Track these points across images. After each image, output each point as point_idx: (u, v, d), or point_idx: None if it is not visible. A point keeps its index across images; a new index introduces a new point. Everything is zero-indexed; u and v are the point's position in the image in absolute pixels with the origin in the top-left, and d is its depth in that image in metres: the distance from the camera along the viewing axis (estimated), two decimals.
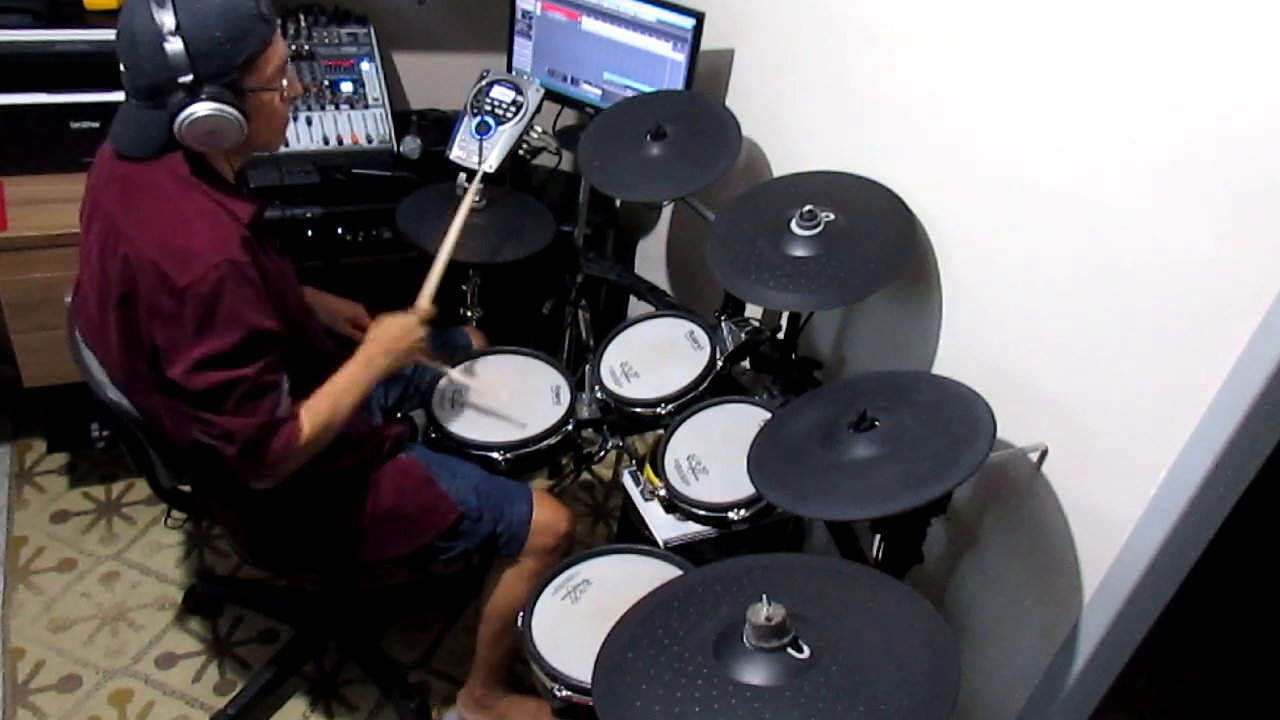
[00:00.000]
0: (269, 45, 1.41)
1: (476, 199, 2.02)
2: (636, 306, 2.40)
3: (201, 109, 1.36)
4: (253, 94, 1.42)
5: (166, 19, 1.32)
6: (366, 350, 1.62)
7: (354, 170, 2.35)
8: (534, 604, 1.53)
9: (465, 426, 1.80)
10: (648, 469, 1.72)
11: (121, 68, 1.39)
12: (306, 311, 1.62)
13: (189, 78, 1.34)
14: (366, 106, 2.37)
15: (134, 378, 1.50)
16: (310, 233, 2.26)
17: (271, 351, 1.44)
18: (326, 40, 2.39)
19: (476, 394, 1.85)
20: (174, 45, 1.32)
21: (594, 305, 2.43)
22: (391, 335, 1.66)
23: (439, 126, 2.45)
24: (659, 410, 1.83)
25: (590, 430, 1.93)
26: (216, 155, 1.46)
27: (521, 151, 2.27)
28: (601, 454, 2.00)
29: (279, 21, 1.72)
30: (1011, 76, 1.51)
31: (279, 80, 1.45)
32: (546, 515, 1.75)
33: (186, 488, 1.77)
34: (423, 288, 1.76)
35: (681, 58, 2.19)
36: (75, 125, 2.10)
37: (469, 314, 2.19)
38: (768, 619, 1.08)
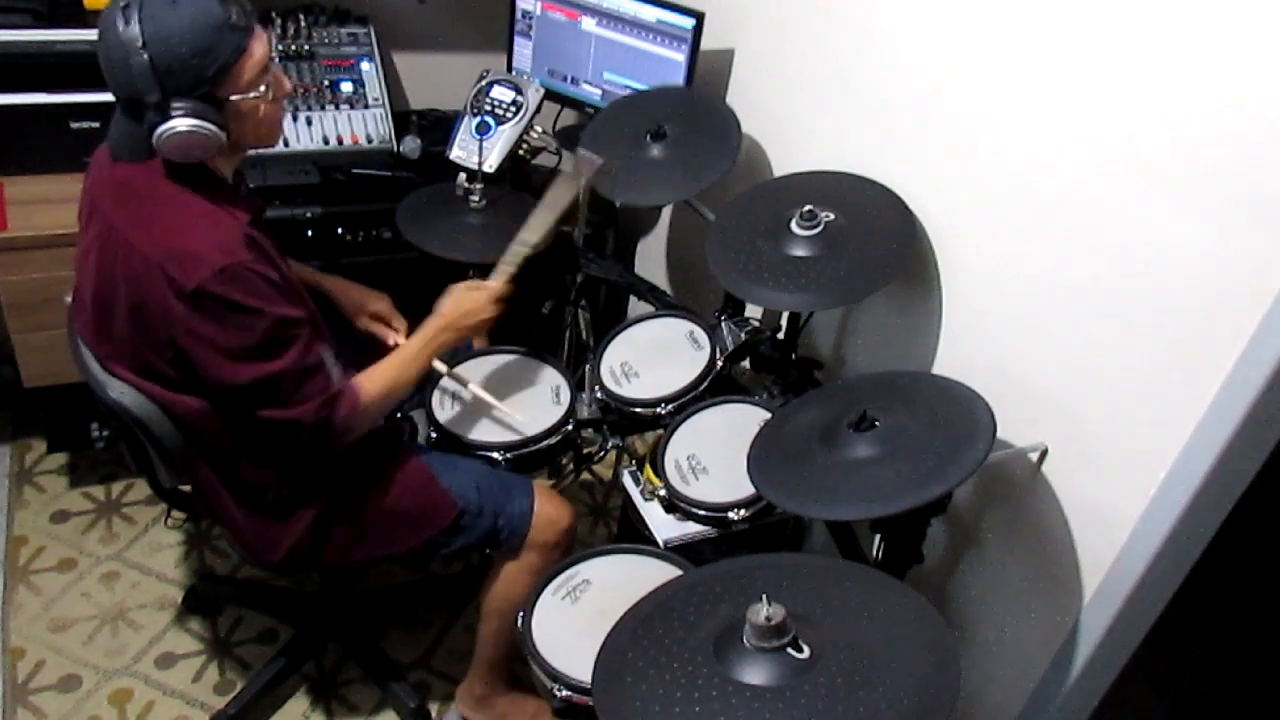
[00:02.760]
0: (243, 53, 1.38)
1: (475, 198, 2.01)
2: (636, 306, 2.40)
3: (177, 125, 1.34)
4: (232, 102, 1.40)
5: (132, 35, 1.30)
6: (434, 324, 1.66)
7: (354, 170, 2.35)
8: (534, 604, 1.53)
9: (465, 426, 1.80)
10: (648, 469, 1.72)
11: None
12: (310, 313, 1.61)
13: (155, 95, 1.33)
14: (366, 106, 2.37)
15: (163, 380, 1.49)
16: (310, 233, 2.26)
17: (302, 334, 1.44)
18: (326, 40, 2.39)
19: (487, 407, 1.84)
20: (139, 61, 1.31)
21: (594, 305, 2.42)
22: (463, 310, 1.69)
23: (439, 126, 2.45)
24: (659, 410, 1.83)
25: (590, 430, 1.93)
26: (211, 158, 1.46)
27: (521, 151, 2.27)
28: (601, 454, 2.00)
29: (277, 21, 1.71)
30: (1012, 76, 1.51)
31: (259, 85, 1.42)
32: (548, 510, 1.75)
33: (186, 488, 1.77)
34: (500, 265, 1.76)
35: (681, 58, 2.19)
36: (75, 125, 2.10)
37: None
38: (768, 619, 1.08)
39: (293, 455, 1.55)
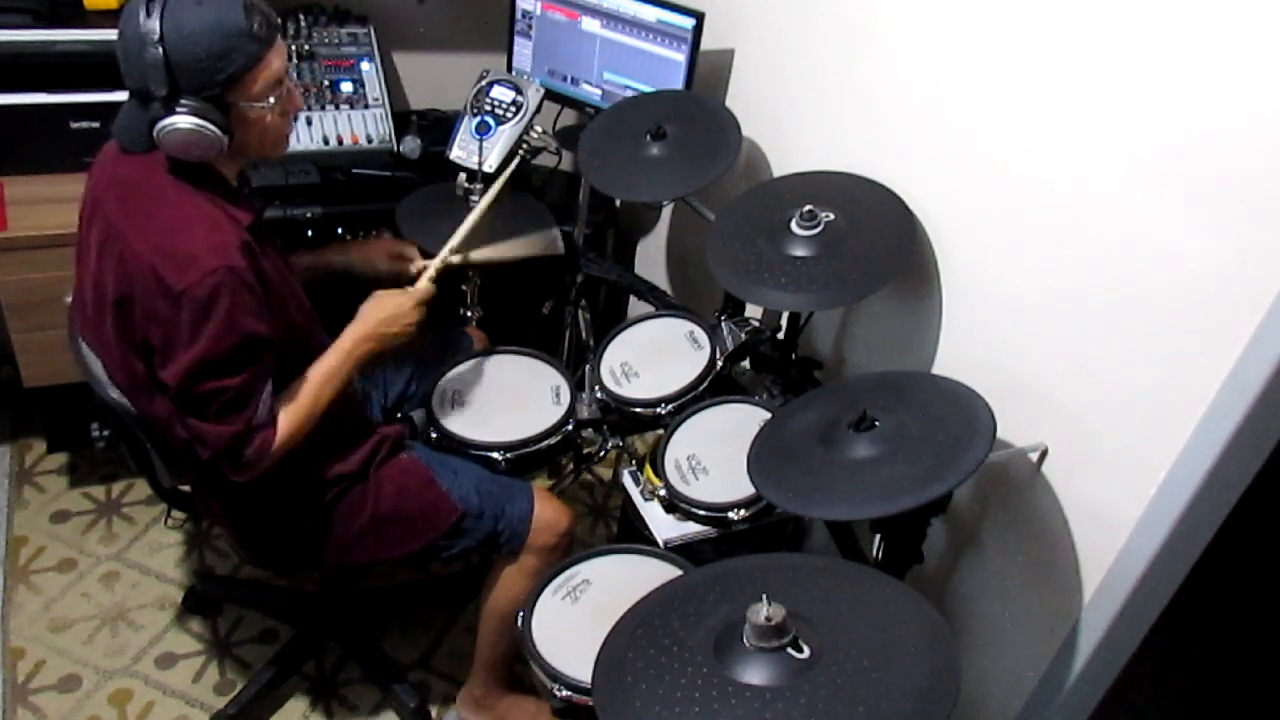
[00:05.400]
0: (259, 63, 1.38)
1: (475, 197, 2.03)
2: (636, 306, 2.40)
3: (178, 121, 1.34)
4: (239, 108, 1.40)
5: (152, 27, 1.31)
6: (353, 333, 1.59)
7: (354, 170, 2.35)
8: (534, 604, 1.53)
9: (465, 426, 1.80)
10: (648, 469, 1.72)
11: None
12: (307, 313, 1.61)
13: (164, 90, 1.33)
14: (366, 106, 2.37)
15: (134, 378, 1.50)
16: (310, 233, 2.26)
17: (262, 358, 1.44)
18: (326, 40, 2.39)
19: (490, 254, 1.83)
20: (153, 55, 1.31)
21: (594, 305, 2.43)
22: (384, 317, 1.62)
23: (439, 126, 2.45)
24: (659, 410, 1.83)
25: (590, 430, 1.93)
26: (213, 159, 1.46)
27: (521, 151, 2.27)
28: (601, 454, 2.00)
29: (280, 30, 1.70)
30: (1012, 76, 1.51)
31: (270, 97, 1.42)
32: (547, 513, 1.75)
33: (186, 488, 1.77)
34: (427, 267, 1.74)
35: (681, 58, 2.19)
36: (75, 125, 2.10)
37: (469, 314, 2.19)
38: (768, 619, 1.08)
39: (205, 467, 1.51)
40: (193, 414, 1.42)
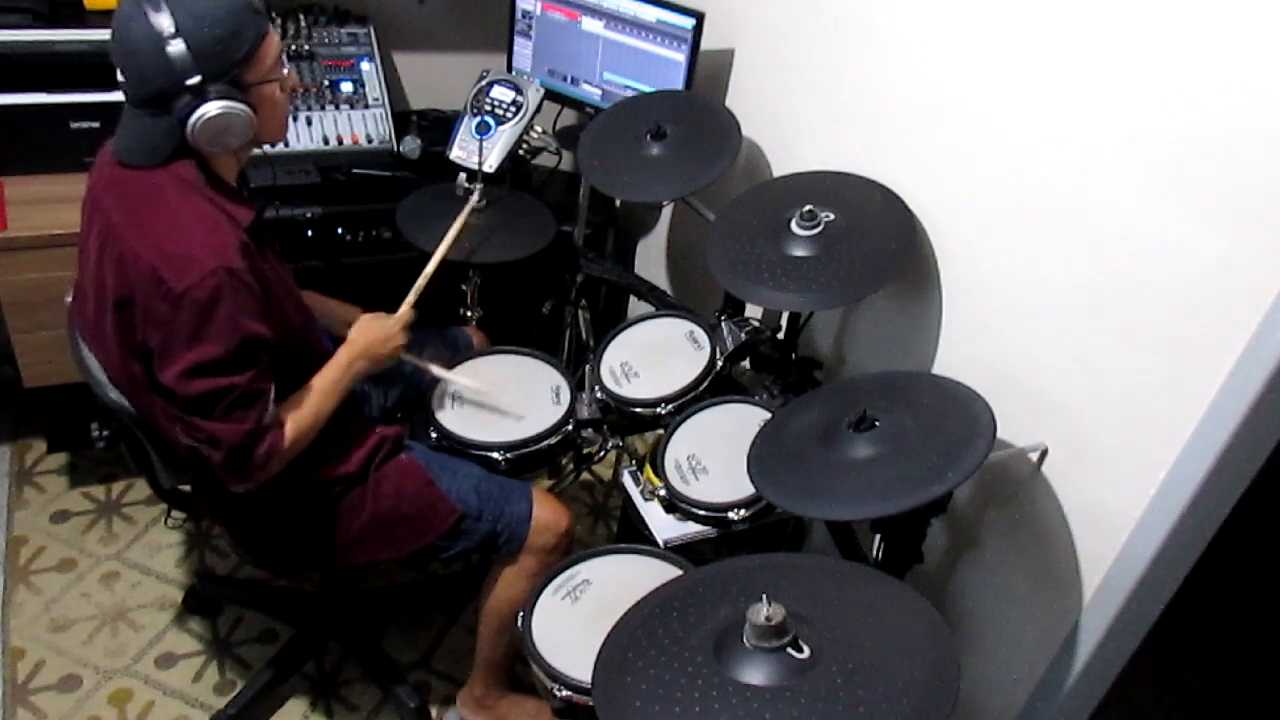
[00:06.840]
0: (265, 37, 1.41)
1: (477, 201, 2.03)
2: (636, 306, 2.40)
3: (212, 109, 1.36)
4: (255, 88, 1.42)
5: (164, 23, 1.31)
6: (347, 353, 1.63)
7: (354, 170, 2.35)
8: (534, 604, 1.53)
9: (465, 427, 1.80)
10: (648, 469, 1.72)
11: (120, 77, 1.38)
12: (305, 313, 1.62)
13: (196, 79, 1.34)
14: (366, 106, 2.37)
15: (132, 379, 1.50)
16: (310, 233, 2.26)
17: (263, 359, 1.44)
18: (326, 40, 2.39)
19: (476, 395, 1.85)
20: (176, 48, 1.32)
21: (594, 305, 2.43)
22: (372, 338, 1.66)
23: (439, 126, 2.45)
24: (659, 410, 1.83)
25: (590, 430, 1.93)
26: (220, 156, 1.46)
27: (521, 151, 2.27)
28: (601, 454, 2.00)
29: (276, 20, 1.71)
30: (1012, 76, 1.51)
31: (278, 71, 1.45)
32: (546, 514, 1.75)
33: (186, 488, 1.77)
34: (409, 293, 1.77)
35: (681, 58, 2.19)
36: (75, 125, 2.10)
37: (469, 314, 2.19)
38: (768, 619, 1.08)
39: (206, 471, 1.51)
40: (199, 414, 1.42)
